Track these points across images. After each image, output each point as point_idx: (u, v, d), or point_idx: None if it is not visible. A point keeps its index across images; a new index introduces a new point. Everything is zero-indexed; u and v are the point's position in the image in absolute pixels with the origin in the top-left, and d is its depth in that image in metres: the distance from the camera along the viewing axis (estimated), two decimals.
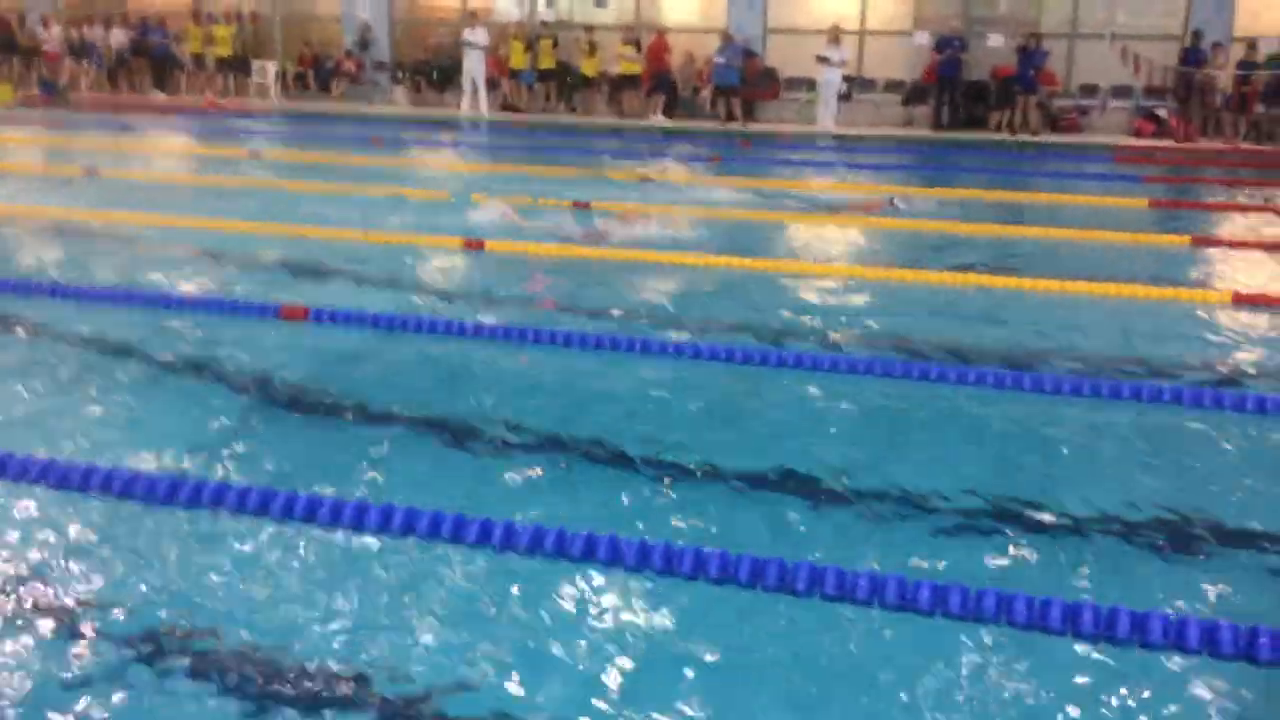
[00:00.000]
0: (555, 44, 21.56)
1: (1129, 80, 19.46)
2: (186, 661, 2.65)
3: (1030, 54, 18.68)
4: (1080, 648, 2.73)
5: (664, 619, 2.86)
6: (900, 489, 3.71)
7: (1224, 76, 18.16)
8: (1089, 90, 19.93)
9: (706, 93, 20.87)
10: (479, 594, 2.98)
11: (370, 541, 3.20)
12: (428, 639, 2.75)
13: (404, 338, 5.42)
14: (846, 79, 20.10)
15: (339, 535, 3.23)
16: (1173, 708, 2.54)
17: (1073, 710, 2.51)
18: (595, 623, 2.83)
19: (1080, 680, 2.63)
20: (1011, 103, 19.00)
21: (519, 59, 21.53)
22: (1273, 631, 2.69)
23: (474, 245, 7.64)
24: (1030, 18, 20.22)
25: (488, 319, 5.75)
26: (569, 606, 2.91)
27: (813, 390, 4.79)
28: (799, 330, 5.81)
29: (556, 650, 2.71)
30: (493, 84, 21.53)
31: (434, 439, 4.18)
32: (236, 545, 3.20)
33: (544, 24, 22.26)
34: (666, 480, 3.77)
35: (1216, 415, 4.50)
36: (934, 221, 9.42)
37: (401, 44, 23.62)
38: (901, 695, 2.56)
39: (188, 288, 6.40)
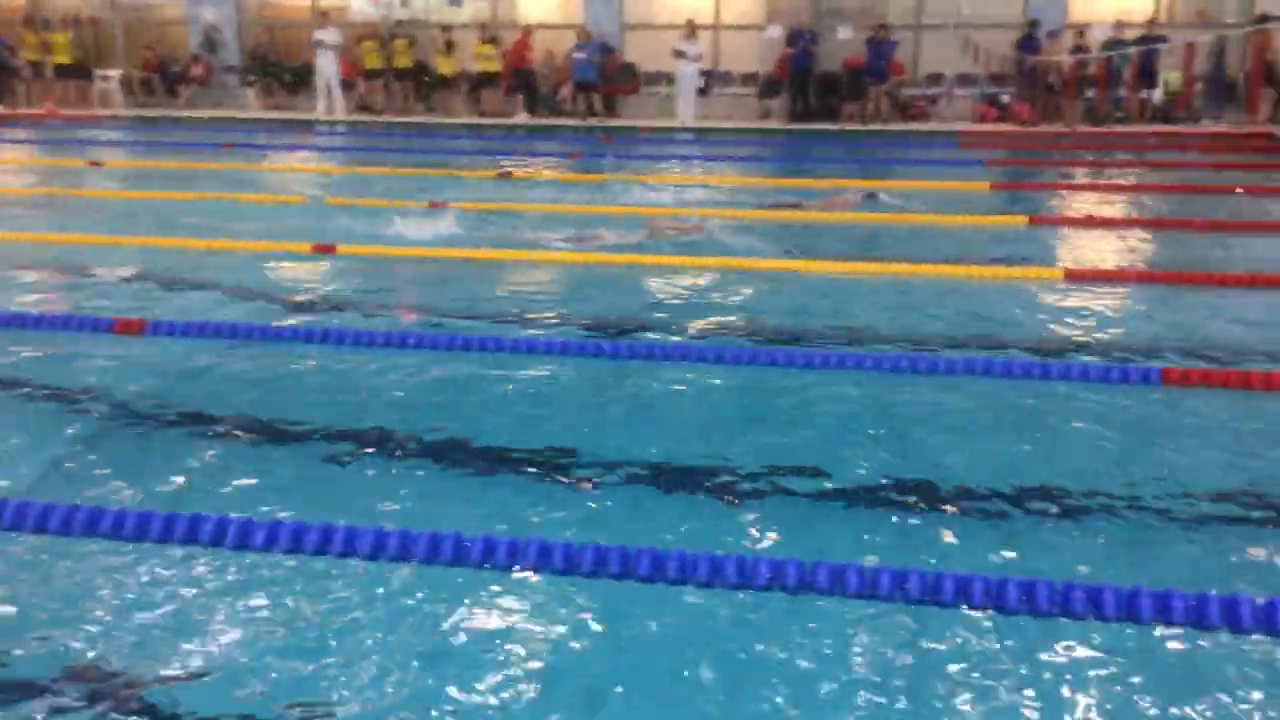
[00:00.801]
0: (411, 43, 21.29)
1: (972, 68, 20.19)
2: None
3: (880, 45, 19.22)
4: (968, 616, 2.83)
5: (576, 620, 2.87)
6: (756, 470, 3.79)
7: (1061, 62, 18.98)
8: (935, 79, 20.59)
9: (567, 90, 20.87)
10: (334, 605, 2.93)
11: (220, 556, 3.12)
12: (286, 654, 2.70)
13: (247, 347, 5.28)
14: (704, 73, 20.37)
15: (178, 551, 3.14)
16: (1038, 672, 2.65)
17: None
18: (498, 628, 2.82)
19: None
20: (863, 93, 19.53)
21: (374, 60, 21.21)
22: (1153, 593, 2.81)
23: (324, 249, 7.50)
24: (877, 10, 20.78)
25: (336, 324, 5.65)
26: (463, 613, 2.89)
27: (679, 379, 4.84)
28: (661, 322, 5.85)
29: (450, 657, 2.70)
30: (348, 85, 21.14)
31: (275, 448, 4.10)
32: (67, 566, 3.09)
33: (399, 23, 21.95)
34: (544, 476, 3.79)
35: (1047, 386, 4.70)
36: (793, 211, 9.61)
37: (251, 46, 22.99)
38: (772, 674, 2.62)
39: (13, 304, 6.13)
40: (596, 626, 2.83)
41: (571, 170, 13.73)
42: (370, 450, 4.01)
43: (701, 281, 6.90)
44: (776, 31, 20.43)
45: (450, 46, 21.10)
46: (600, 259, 7.35)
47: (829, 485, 3.71)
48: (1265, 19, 17.01)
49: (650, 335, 5.49)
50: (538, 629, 2.80)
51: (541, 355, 5.12)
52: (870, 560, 3.09)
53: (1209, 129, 17.55)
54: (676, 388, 4.76)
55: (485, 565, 3.03)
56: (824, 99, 20.12)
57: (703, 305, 6.34)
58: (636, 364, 5.03)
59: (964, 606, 2.82)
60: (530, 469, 3.86)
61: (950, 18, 20.66)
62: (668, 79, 20.39)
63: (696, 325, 5.76)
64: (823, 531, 3.39)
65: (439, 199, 9.84)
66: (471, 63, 21.11)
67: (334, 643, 2.73)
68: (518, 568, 3.02)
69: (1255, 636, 2.68)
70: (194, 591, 2.96)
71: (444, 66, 21.28)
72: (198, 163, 13.84)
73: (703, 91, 20.29)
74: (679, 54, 19.46)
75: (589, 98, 20.25)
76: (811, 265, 7.13)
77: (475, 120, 20.43)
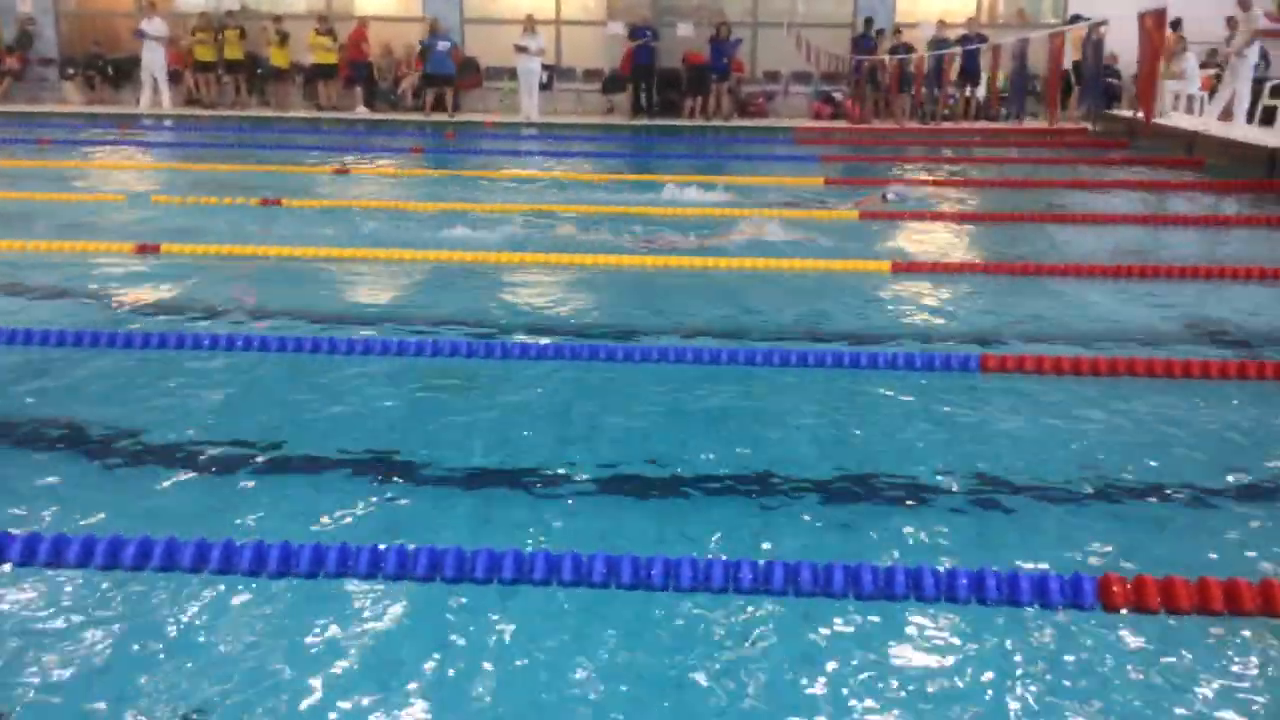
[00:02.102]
0: (242, 34, 20.62)
1: (806, 66, 20.73)
2: None
3: (723, 43, 19.53)
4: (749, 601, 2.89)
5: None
6: (582, 464, 3.81)
7: (888, 61, 19.65)
8: (772, 76, 21.06)
9: (408, 83, 20.57)
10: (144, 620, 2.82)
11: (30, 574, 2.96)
12: (105, 669, 2.58)
13: (64, 353, 5.02)
14: (546, 68, 20.33)
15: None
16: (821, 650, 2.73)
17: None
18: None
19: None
20: (704, 89, 19.82)
21: (205, 52, 20.45)
22: (969, 573, 2.91)
23: (149, 249, 7.20)
24: (715, 7, 21.11)
25: (160, 325, 5.44)
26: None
27: (511, 377, 4.81)
28: (497, 320, 5.82)
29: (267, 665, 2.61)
30: (175, 77, 20.34)
31: (95, 459, 3.91)
32: None
33: (229, 14, 21.19)
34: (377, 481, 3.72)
35: (873, 374, 4.86)
36: (638, 207, 9.66)
37: (71, 37, 21.88)
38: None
39: None
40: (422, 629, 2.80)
41: (413, 165, 13.51)
42: (198, 458, 3.87)
43: (541, 278, 6.90)
44: (618, 27, 20.55)
45: (284, 38, 20.50)
46: (440, 256, 7.24)
47: (657, 475, 3.76)
48: (1077, 19, 17.95)
49: (484, 332, 5.45)
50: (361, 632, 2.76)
51: (378, 356, 5.03)
52: (692, 551, 3.14)
53: (1029, 125, 18.43)
54: (506, 386, 4.74)
55: (317, 574, 2.96)
56: (666, 95, 20.35)
57: (542, 302, 6.34)
58: (469, 362, 4.98)
59: (791, 594, 2.89)
60: (353, 471, 3.80)
61: (785, 16, 21.15)
62: (509, 74, 20.27)
63: (533, 322, 5.75)
64: (646, 522, 3.42)
65: (271, 195, 9.56)
66: (307, 54, 20.57)
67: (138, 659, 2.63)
68: (339, 574, 2.96)
69: (1068, 611, 2.83)
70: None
71: (277, 58, 20.67)
72: (12, 160, 13.11)
73: (545, 87, 20.25)
74: (520, 48, 19.37)
75: (441, 91, 19.93)
76: (650, 260, 7.19)
77: (312, 114, 19.92)
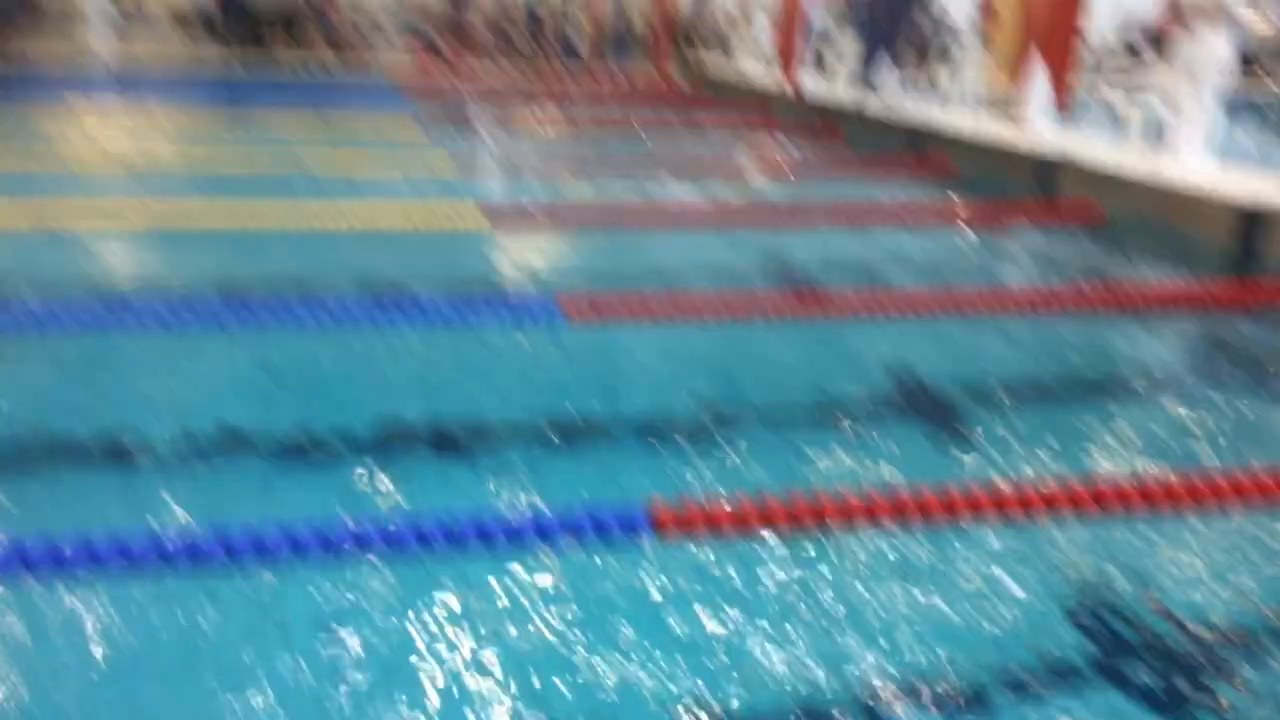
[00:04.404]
0: None
1: (400, 10, 20.48)
2: None
3: None
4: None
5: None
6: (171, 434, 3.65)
7: (488, 9, 19.76)
8: (370, 21, 20.57)
9: None
10: None
11: None
12: None
13: None
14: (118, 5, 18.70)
15: None
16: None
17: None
18: None
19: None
20: (292, 26, 19.00)
21: None
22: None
23: None
24: None
25: None
26: None
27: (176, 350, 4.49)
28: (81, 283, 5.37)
29: None
30: None
31: None
32: None
33: None
34: None
35: (467, 331, 4.97)
36: (230, 159, 9.14)
37: None
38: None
39: None
40: None
41: None
42: None
43: (127, 242, 6.44)
44: None
45: None
46: None
47: (235, 440, 3.70)
48: None
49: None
50: None
51: None
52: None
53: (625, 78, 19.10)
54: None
55: None
56: (257, 34, 19.23)
57: (133, 263, 5.94)
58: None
59: (367, 553, 2.94)
60: None
61: None
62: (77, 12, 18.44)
63: (126, 283, 5.37)
64: (229, 492, 3.34)
65: None
66: None
67: None
68: None
69: (625, 538, 3.07)
70: None
71: None
72: None
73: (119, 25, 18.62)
74: None
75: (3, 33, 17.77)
76: (243, 221, 6.87)
77: None
